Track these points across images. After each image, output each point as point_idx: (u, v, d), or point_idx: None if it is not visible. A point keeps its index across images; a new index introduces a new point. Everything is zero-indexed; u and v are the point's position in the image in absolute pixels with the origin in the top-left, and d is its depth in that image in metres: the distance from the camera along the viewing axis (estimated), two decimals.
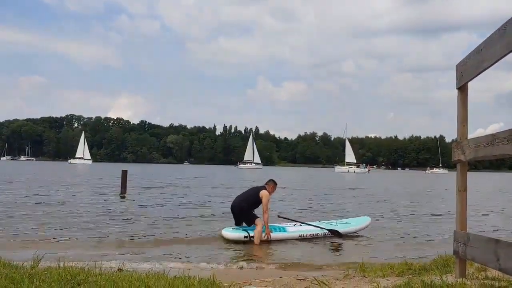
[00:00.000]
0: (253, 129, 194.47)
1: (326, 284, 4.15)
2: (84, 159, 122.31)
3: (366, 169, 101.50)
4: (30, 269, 3.91)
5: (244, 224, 9.10)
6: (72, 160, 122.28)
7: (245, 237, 8.65)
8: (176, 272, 4.64)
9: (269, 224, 8.85)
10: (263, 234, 8.63)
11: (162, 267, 5.78)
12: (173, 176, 45.21)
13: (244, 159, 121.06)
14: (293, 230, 9.29)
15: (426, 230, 11.02)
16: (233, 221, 9.26)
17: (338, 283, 4.39)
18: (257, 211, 9.13)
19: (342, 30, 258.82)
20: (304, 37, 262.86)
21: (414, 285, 3.58)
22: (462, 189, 3.82)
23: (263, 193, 8.84)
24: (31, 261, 4.37)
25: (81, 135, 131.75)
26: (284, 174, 65.14)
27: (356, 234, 9.89)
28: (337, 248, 8.65)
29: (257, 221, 8.78)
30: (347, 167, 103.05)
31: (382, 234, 10.20)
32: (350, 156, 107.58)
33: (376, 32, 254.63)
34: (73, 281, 3.48)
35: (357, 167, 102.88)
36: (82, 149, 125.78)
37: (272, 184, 9.16)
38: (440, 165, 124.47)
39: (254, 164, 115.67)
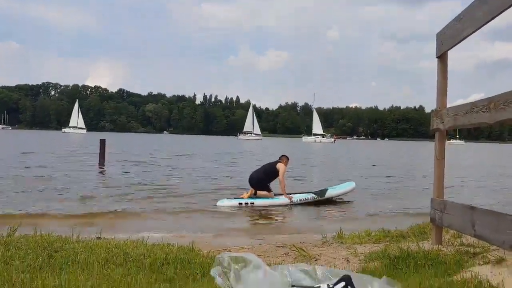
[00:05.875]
0: (234, 99, 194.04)
1: (304, 250, 4.18)
2: (78, 128, 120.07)
3: (332, 139, 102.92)
4: (6, 237, 3.85)
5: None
6: (66, 129, 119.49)
7: (239, 204, 9.51)
8: (156, 240, 4.62)
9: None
10: (287, 200, 9.81)
11: (142, 236, 5.76)
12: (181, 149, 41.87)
13: (244, 130, 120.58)
14: (283, 197, 9.94)
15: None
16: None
17: (316, 249, 4.44)
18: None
19: None
20: (289, 5, 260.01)
21: (391, 252, 3.63)
22: (440, 157, 3.85)
23: (280, 165, 10.00)
24: (6, 230, 4.30)
25: (74, 104, 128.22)
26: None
27: (340, 201, 10.20)
28: (317, 214, 8.88)
29: (271, 194, 9.92)
30: (314, 137, 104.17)
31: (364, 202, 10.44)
32: (317, 126, 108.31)
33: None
34: (50, 248, 3.44)
35: (323, 137, 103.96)
36: (76, 118, 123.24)
37: (285, 159, 10.28)
38: (457, 136, 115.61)
39: (254, 135, 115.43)
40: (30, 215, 7.75)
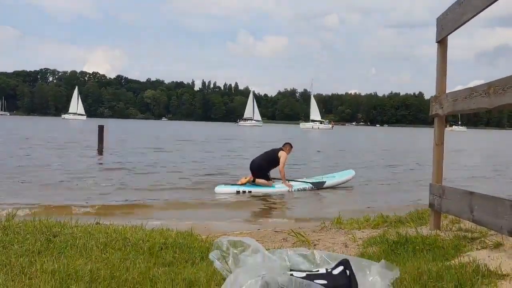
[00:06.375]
0: (233, 85, 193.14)
1: (302, 236, 4.19)
2: (78, 115, 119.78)
3: (330, 125, 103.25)
4: (5, 222, 3.85)
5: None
6: (65, 115, 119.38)
7: (237, 191, 9.49)
8: (155, 227, 4.63)
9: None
10: (285, 188, 9.80)
11: (141, 222, 5.76)
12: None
13: (244, 116, 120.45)
14: (280, 185, 9.95)
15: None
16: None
17: (315, 235, 4.46)
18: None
19: None
20: None
21: (389, 237, 3.64)
22: (439, 143, 3.84)
23: (282, 153, 9.91)
24: (5, 216, 4.30)
25: (73, 90, 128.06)
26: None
27: (339, 187, 10.42)
28: (316, 201, 8.93)
29: (269, 183, 9.83)
30: (312, 123, 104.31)
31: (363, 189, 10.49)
32: (315, 113, 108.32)
33: None
34: (49, 233, 3.44)
35: (321, 124, 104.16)
36: (76, 104, 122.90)
37: (288, 147, 10.17)
38: (459, 122, 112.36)
39: (254, 121, 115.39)
40: (26, 205, 7.67)
